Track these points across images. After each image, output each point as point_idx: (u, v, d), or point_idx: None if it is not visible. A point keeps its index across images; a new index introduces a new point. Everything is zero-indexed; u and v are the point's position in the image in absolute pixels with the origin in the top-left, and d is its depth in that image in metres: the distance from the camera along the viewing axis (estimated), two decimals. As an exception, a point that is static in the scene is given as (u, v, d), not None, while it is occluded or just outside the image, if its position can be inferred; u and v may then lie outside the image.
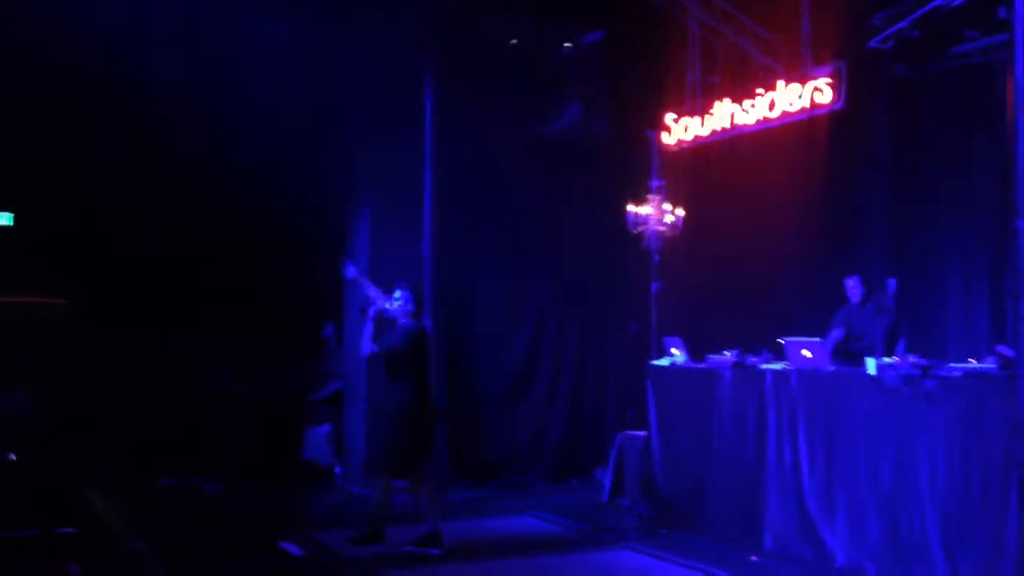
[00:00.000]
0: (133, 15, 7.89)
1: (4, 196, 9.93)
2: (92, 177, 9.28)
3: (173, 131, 8.84)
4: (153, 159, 9.35)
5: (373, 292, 7.15)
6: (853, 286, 8.15)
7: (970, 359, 6.58)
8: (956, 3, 7.96)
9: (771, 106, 8.27)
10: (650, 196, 9.38)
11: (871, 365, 6.24)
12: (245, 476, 9.47)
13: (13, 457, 8.05)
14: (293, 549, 6.93)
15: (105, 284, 9.90)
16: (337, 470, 9.84)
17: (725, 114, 8.69)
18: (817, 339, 6.94)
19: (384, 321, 7.05)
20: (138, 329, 9.93)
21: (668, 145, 9.32)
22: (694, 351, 8.02)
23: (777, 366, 7.10)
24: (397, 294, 7.00)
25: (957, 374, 5.80)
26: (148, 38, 7.98)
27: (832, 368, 6.65)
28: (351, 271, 7.76)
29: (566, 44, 10.09)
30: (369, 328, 6.96)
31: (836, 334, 8.03)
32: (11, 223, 10.09)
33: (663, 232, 9.30)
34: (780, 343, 7.29)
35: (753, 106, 8.42)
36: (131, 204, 9.50)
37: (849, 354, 7.61)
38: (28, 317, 10.30)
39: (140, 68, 8.19)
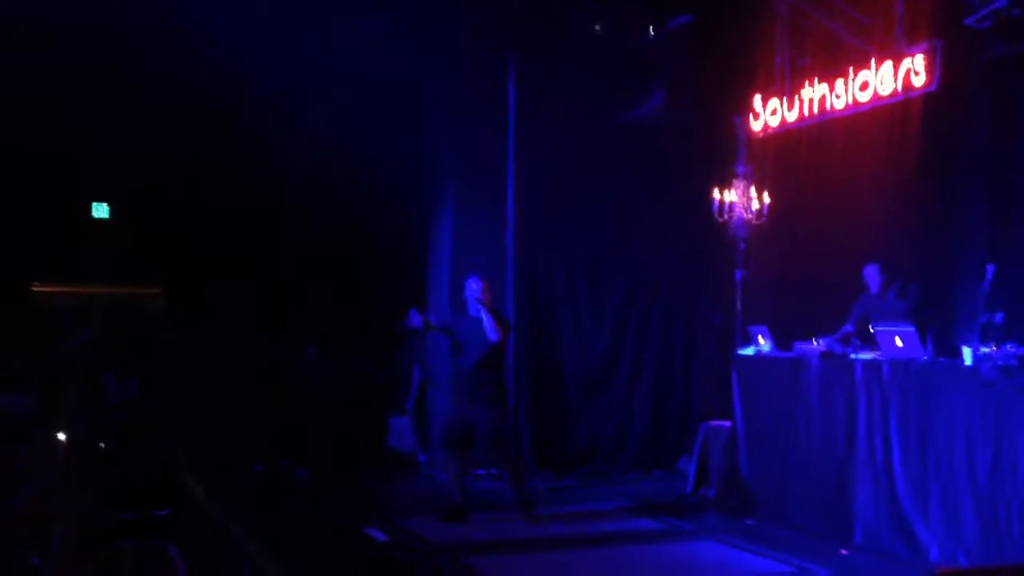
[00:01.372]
0: (231, 15, 8.06)
1: (104, 188, 10.27)
2: (186, 172, 9.54)
3: (262, 126, 9.03)
4: (246, 154, 9.56)
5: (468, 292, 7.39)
6: (872, 275, 7.98)
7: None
8: (1057, -20, 7.64)
9: (863, 88, 8.04)
10: (736, 182, 9.20)
11: (967, 355, 6.04)
12: (333, 463, 9.64)
13: (103, 446, 8.33)
14: (378, 535, 7.03)
15: (200, 275, 10.18)
16: (421, 458, 9.94)
17: (815, 97, 8.49)
18: (911, 326, 6.73)
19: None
20: (232, 318, 10.18)
21: (755, 131, 9.15)
22: (780, 340, 7.87)
23: (867, 355, 6.93)
24: (473, 284, 7.31)
25: (1058, 364, 5.58)
26: (243, 36, 8.14)
27: (926, 357, 6.45)
28: (415, 320, 8.00)
29: (651, 29, 9.96)
30: (489, 317, 7.19)
31: (848, 326, 7.92)
32: (108, 215, 10.42)
33: (749, 219, 9.11)
34: (871, 331, 7.11)
35: (845, 89, 8.19)
36: (224, 198, 9.74)
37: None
38: (128, 307, 10.65)
39: (236, 66, 8.36)
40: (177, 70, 8.67)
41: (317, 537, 7.15)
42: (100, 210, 10.40)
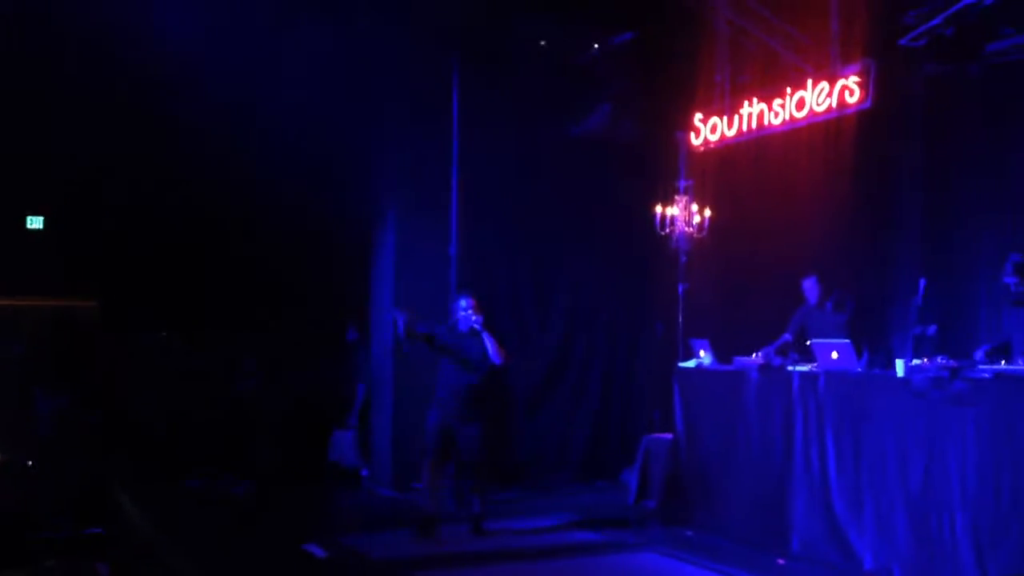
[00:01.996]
0: (161, 19, 7.96)
1: (36, 199, 10.06)
2: (122, 181, 9.39)
3: (201, 134, 8.91)
4: (184, 162, 9.43)
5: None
6: (810, 287, 8.17)
7: (1002, 360, 6.46)
8: (990, 0, 7.83)
9: (799, 106, 8.18)
10: (678, 197, 9.31)
11: (900, 367, 6.15)
12: (272, 478, 9.52)
13: (31, 464, 8.15)
14: (317, 551, 6.94)
15: (136, 286, 10.00)
16: (363, 472, 9.85)
17: (753, 114, 8.62)
18: (847, 341, 6.84)
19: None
20: (168, 331, 10.03)
21: (696, 146, 9.26)
22: (721, 353, 7.95)
23: (805, 367, 7.03)
24: (463, 303, 7.27)
25: (987, 375, 5.69)
26: (174, 41, 8.04)
27: (860, 370, 6.55)
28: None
29: (595, 45, 10.03)
30: (492, 340, 7.16)
31: (786, 336, 8.12)
32: (42, 227, 10.20)
33: (690, 233, 9.23)
34: (808, 345, 7.21)
35: (781, 106, 8.34)
36: (161, 208, 9.60)
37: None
38: (61, 319, 10.43)
39: (166, 71, 8.27)
40: (115, 79, 8.54)
41: (254, 554, 7.04)
42: (34, 222, 10.18)
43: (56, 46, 8.14)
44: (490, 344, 7.14)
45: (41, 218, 10.22)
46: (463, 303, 7.26)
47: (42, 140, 8.80)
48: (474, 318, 7.16)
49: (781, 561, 6.60)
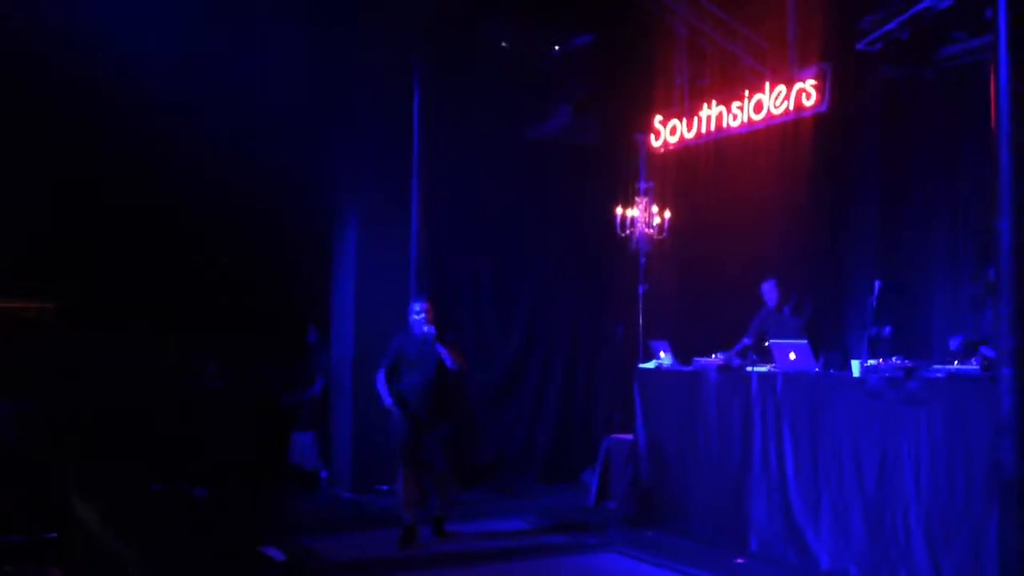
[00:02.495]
0: (113, 19, 7.86)
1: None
2: (77, 177, 9.25)
3: (160, 134, 8.82)
4: (143, 163, 9.31)
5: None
6: (769, 290, 8.27)
7: (955, 361, 6.57)
8: (944, 5, 7.95)
9: (757, 108, 8.27)
10: (638, 198, 9.36)
11: (855, 367, 6.23)
12: (232, 480, 9.44)
13: None
14: (276, 554, 6.90)
15: (93, 287, 9.86)
16: (323, 474, 9.80)
17: (711, 116, 8.70)
18: (805, 341, 6.92)
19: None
20: (126, 333, 9.89)
21: (655, 148, 9.32)
22: (681, 354, 8.00)
23: (763, 368, 7.09)
24: (417, 307, 7.20)
25: (941, 376, 5.78)
26: (131, 40, 7.95)
27: (817, 370, 6.63)
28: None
29: (556, 47, 10.06)
30: (445, 348, 7.08)
31: (746, 339, 8.22)
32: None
33: (650, 235, 9.28)
34: (767, 346, 7.29)
35: (740, 108, 8.41)
36: (117, 205, 9.48)
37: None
38: (16, 320, 10.26)
39: (121, 66, 8.16)
40: (73, 81, 8.40)
41: (212, 557, 6.98)
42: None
43: (5, 47, 8.00)
44: (444, 353, 7.09)
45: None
46: (416, 307, 7.21)
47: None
48: (426, 328, 7.09)
49: (740, 560, 6.66)
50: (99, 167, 9.26)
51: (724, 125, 8.60)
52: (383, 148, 9.32)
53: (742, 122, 8.41)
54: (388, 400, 7.17)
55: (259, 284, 10.14)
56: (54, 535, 7.18)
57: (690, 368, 7.68)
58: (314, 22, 8.87)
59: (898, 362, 6.11)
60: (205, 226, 9.94)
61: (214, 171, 9.02)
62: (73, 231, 9.69)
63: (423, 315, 7.14)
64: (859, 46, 8.39)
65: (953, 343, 6.65)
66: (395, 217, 9.21)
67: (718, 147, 8.91)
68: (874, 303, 6.60)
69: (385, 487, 8.96)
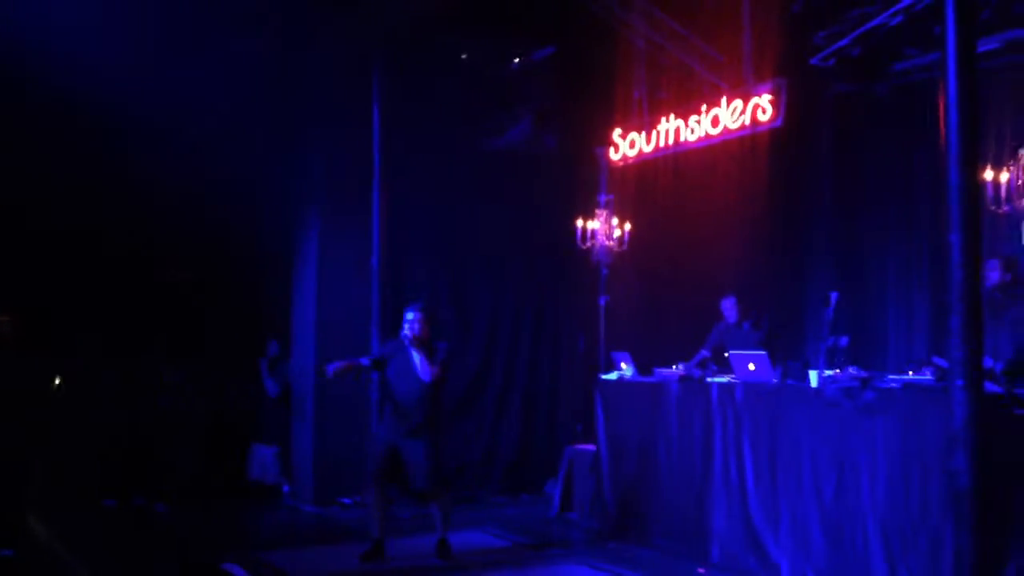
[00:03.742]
0: (80, 26, 7.78)
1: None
2: (36, 193, 9.13)
3: (118, 146, 8.73)
4: (102, 176, 9.21)
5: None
6: (730, 307, 8.44)
7: (909, 371, 6.70)
8: (895, 21, 8.12)
9: (714, 123, 8.39)
10: (598, 211, 9.44)
11: (813, 377, 6.32)
12: (191, 496, 9.34)
13: None
14: (237, 571, 6.82)
15: (50, 302, 9.72)
16: (285, 488, 9.73)
17: (670, 130, 8.80)
18: (764, 352, 7.01)
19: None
20: (82, 347, 9.77)
21: (615, 161, 9.40)
22: (642, 365, 8.07)
23: (723, 379, 7.17)
24: (411, 316, 6.98)
25: (896, 386, 5.89)
26: (93, 50, 7.86)
27: (776, 381, 6.72)
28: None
29: (515, 60, 10.12)
30: (420, 355, 6.89)
31: (704, 351, 8.39)
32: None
33: (611, 247, 9.36)
34: (726, 357, 7.37)
35: (698, 122, 8.52)
36: (78, 223, 9.36)
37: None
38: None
39: (85, 80, 8.07)
40: (33, 89, 8.28)
41: (172, 575, 6.90)
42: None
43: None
44: (417, 358, 6.93)
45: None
46: (409, 315, 7.00)
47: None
48: (404, 332, 6.96)
49: (701, 571, 6.72)
50: (57, 182, 9.14)
51: (682, 139, 8.71)
52: (344, 158, 9.30)
53: (699, 136, 8.53)
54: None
55: (218, 296, 10.06)
56: (9, 553, 7.07)
57: (651, 379, 7.75)
58: (274, 31, 8.84)
59: (854, 372, 6.21)
60: (164, 237, 9.84)
61: (174, 183, 8.94)
62: (27, 245, 9.56)
63: (414, 324, 6.94)
64: (813, 61, 8.54)
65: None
66: (356, 227, 9.20)
67: (677, 160, 9.01)
68: (830, 314, 6.71)
69: (348, 500, 8.93)
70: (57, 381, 9.68)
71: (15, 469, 8.73)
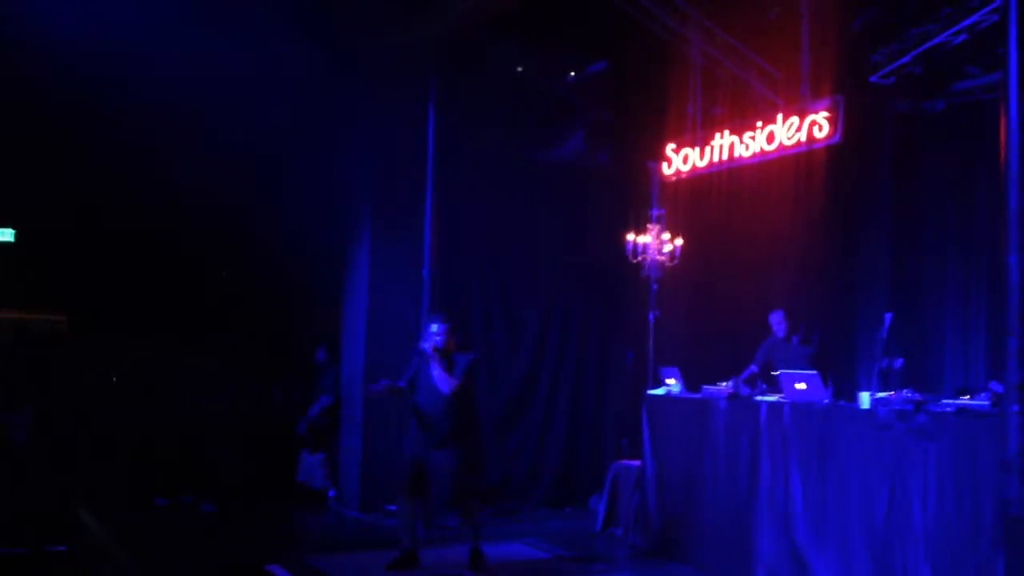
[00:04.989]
0: (133, 32, 7.93)
1: (5, 212, 9.98)
2: (91, 197, 9.34)
3: (176, 149, 8.89)
4: (158, 179, 9.39)
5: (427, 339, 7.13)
6: (778, 321, 8.31)
7: (965, 395, 6.56)
8: (958, 40, 8.02)
9: (769, 139, 8.31)
10: (650, 225, 9.40)
11: (865, 399, 6.22)
12: (240, 497, 9.46)
13: None
14: (281, 572, 6.90)
15: (107, 302, 9.94)
16: (331, 493, 9.81)
17: (724, 146, 8.74)
18: (815, 372, 6.92)
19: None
20: (138, 348, 9.96)
21: (668, 175, 9.36)
22: (691, 381, 8.01)
23: (772, 398, 7.08)
24: (435, 328, 7.01)
25: (950, 410, 5.77)
26: (148, 57, 8.03)
27: (826, 401, 6.63)
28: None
29: (571, 73, 10.14)
30: (439, 367, 6.91)
31: (753, 367, 8.30)
32: (12, 239, 10.12)
33: (662, 262, 9.32)
34: (775, 375, 7.29)
35: (752, 138, 8.45)
36: (131, 225, 9.56)
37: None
38: (29, 333, 10.34)
39: (138, 85, 8.25)
40: (85, 92, 8.48)
41: (218, 574, 6.99)
42: (4, 234, 10.09)
43: (26, 63, 8.08)
44: (436, 371, 6.91)
45: (11, 231, 10.14)
46: (434, 327, 7.04)
47: (11, 153, 8.74)
48: (426, 345, 6.96)
49: (745, 591, 6.64)
50: (114, 183, 9.34)
51: (736, 155, 8.64)
52: (396, 167, 9.38)
53: (754, 152, 8.45)
54: (377, 385, 7.01)
55: (269, 302, 10.20)
56: (62, 548, 7.21)
57: (699, 396, 7.68)
58: (332, 42, 8.95)
59: (908, 395, 6.10)
60: (220, 243, 10.01)
61: (230, 187, 9.09)
62: (85, 246, 9.78)
63: (437, 336, 6.97)
64: (872, 79, 8.45)
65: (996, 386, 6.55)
66: (408, 237, 9.27)
67: (730, 176, 8.94)
68: (885, 335, 6.60)
69: (393, 507, 8.96)
70: (112, 380, 9.89)
71: (69, 465, 8.92)
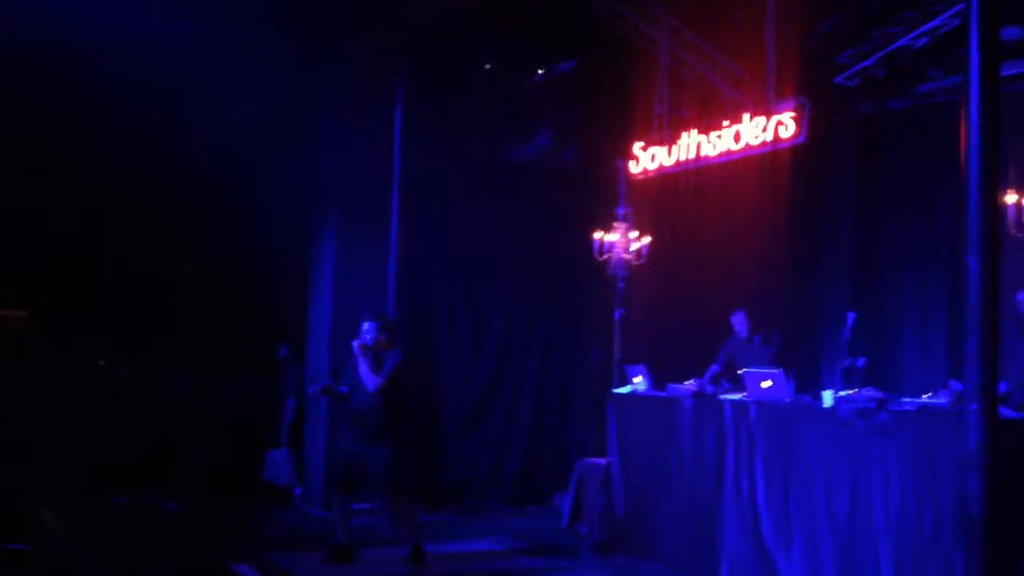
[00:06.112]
0: (110, 35, 7.85)
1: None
2: (54, 188, 9.22)
3: (137, 142, 8.80)
4: (120, 173, 9.29)
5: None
6: (740, 322, 8.39)
7: (926, 393, 6.65)
8: (920, 43, 8.13)
9: (735, 138, 8.36)
10: (616, 224, 9.44)
11: (828, 397, 6.29)
12: (203, 495, 9.38)
13: None
14: (246, 571, 6.85)
15: (68, 298, 9.82)
16: (297, 491, 9.76)
17: (691, 145, 8.79)
18: (779, 370, 6.99)
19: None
20: (98, 344, 9.86)
21: (635, 174, 9.40)
22: (656, 379, 8.05)
23: (736, 396, 7.14)
24: (365, 326, 7.09)
25: (911, 408, 5.85)
26: (111, 50, 7.93)
27: (789, 399, 6.69)
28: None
29: (539, 71, 10.16)
30: (364, 364, 6.96)
31: (715, 367, 8.33)
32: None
33: (628, 260, 9.36)
34: (739, 373, 7.35)
35: (719, 138, 8.51)
36: (96, 219, 9.45)
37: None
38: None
39: (103, 78, 8.15)
40: (56, 88, 8.38)
41: (180, 572, 6.92)
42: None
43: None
44: (362, 368, 6.96)
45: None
46: (364, 325, 7.10)
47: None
48: (354, 342, 7.03)
49: (710, 587, 6.69)
50: (76, 177, 9.23)
51: (703, 154, 8.69)
52: (363, 163, 9.34)
53: (720, 151, 8.50)
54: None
55: (234, 298, 10.12)
56: (22, 546, 7.11)
57: (664, 394, 7.73)
58: (297, 40, 8.89)
59: (870, 393, 6.17)
60: (181, 238, 9.92)
61: (192, 180, 9.02)
62: (45, 241, 9.65)
63: (367, 335, 7.05)
64: (836, 80, 8.54)
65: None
66: (374, 234, 9.25)
67: (697, 176, 9.00)
68: (847, 334, 6.68)
69: (357, 506, 8.93)
70: (69, 377, 9.77)
71: (27, 463, 8.80)
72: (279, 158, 9.33)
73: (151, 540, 8.01)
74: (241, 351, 10.19)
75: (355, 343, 7.04)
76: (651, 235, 9.41)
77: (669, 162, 9.02)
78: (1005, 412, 5.23)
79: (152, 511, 9.09)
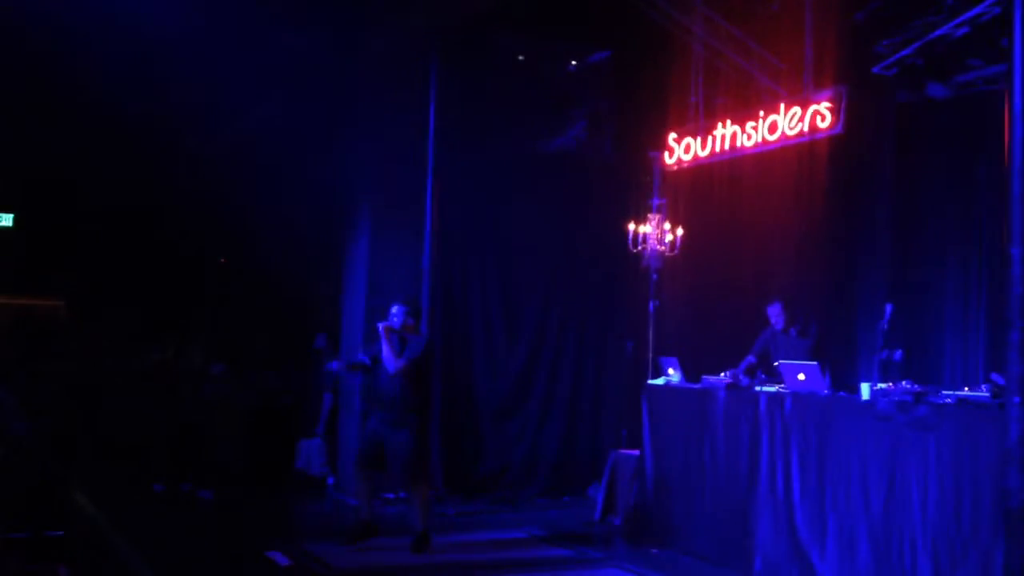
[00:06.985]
0: (145, 31, 7.91)
1: (5, 197, 9.97)
2: (93, 182, 9.33)
3: (174, 136, 8.88)
4: (157, 166, 9.39)
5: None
6: (776, 313, 8.28)
7: (966, 386, 6.56)
8: (960, 32, 7.99)
9: (771, 129, 8.27)
10: (650, 215, 9.38)
11: (865, 390, 6.22)
12: (238, 484, 9.46)
13: None
14: (281, 559, 6.91)
15: (105, 287, 9.93)
16: (330, 480, 9.82)
17: (726, 136, 8.71)
18: (815, 363, 6.92)
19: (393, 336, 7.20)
20: (135, 332, 9.96)
21: (669, 165, 9.34)
22: (690, 371, 8.01)
23: (772, 388, 7.09)
24: (394, 310, 7.22)
25: (950, 401, 5.77)
26: (147, 47, 8.00)
27: (826, 392, 6.63)
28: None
29: (572, 62, 10.12)
30: (387, 345, 7.08)
31: (751, 358, 8.25)
32: (11, 224, 10.12)
33: (662, 251, 9.30)
34: (774, 365, 7.29)
35: (755, 128, 8.43)
36: (133, 211, 9.55)
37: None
38: (28, 318, 10.34)
39: (149, 83, 8.22)
40: (88, 85, 8.47)
41: (216, 560, 7.00)
42: (3, 219, 10.09)
43: (30, 49, 8.06)
44: (385, 349, 7.09)
45: (10, 216, 10.14)
46: (393, 309, 7.25)
47: (12, 139, 8.72)
48: (379, 324, 7.14)
49: (743, 581, 6.65)
50: (114, 170, 9.33)
51: (738, 144, 8.60)
52: (397, 155, 9.36)
53: (756, 142, 8.42)
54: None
55: (270, 288, 10.19)
56: (60, 533, 7.20)
57: (698, 386, 7.68)
58: (333, 33, 8.92)
59: (908, 386, 6.10)
60: (217, 230, 10.01)
61: (227, 173, 9.08)
62: (87, 232, 9.78)
63: (395, 318, 7.18)
64: (875, 70, 8.42)
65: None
66: (407, 225, 9.26)
67: (732, 166, 8.91)
68: (885, 326, 6.60)
69: (391, 495, 8.98)
70: (106, 366, 9.88)
71: (65, 450, 8.91)
72: (313, 149, 9.38)
73: (186, 529, 8.10)
74: (277, 342, 10.27)
75: (381, 324, 7.14)
76: (685, 226, 9.35)
77: (704, 153, 8.95)
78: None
79: (187, 500, 9.18)
